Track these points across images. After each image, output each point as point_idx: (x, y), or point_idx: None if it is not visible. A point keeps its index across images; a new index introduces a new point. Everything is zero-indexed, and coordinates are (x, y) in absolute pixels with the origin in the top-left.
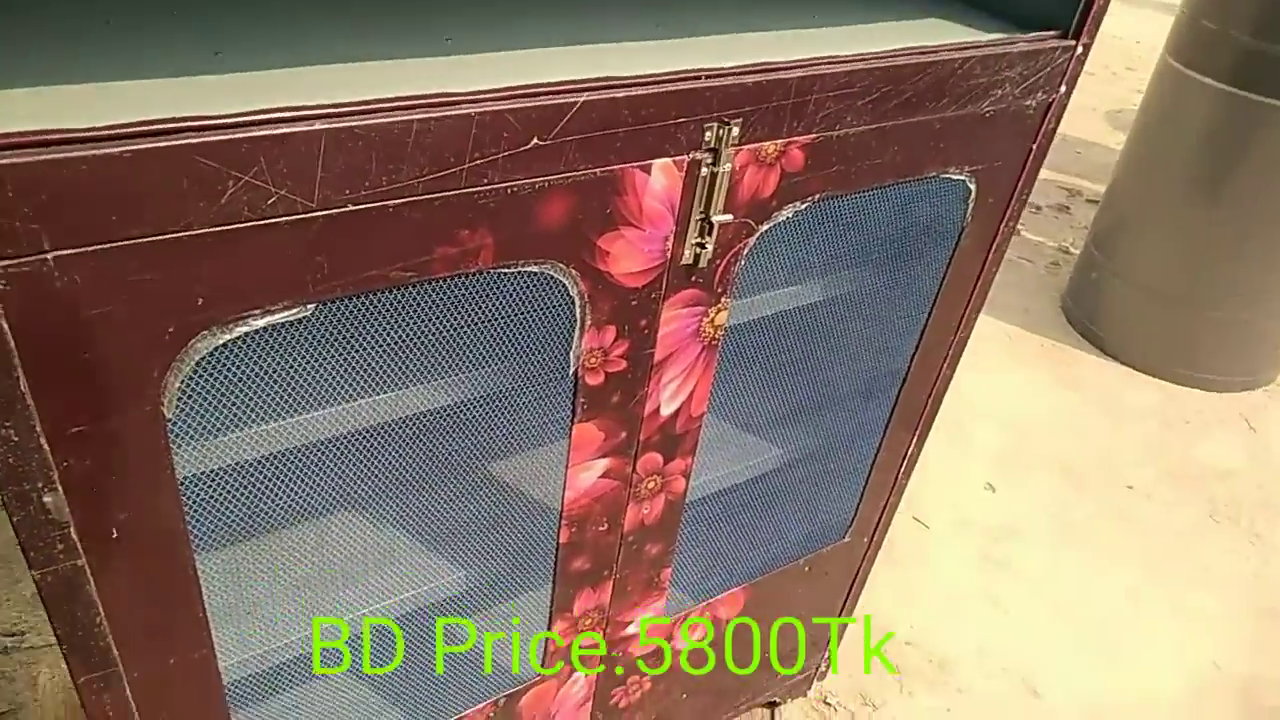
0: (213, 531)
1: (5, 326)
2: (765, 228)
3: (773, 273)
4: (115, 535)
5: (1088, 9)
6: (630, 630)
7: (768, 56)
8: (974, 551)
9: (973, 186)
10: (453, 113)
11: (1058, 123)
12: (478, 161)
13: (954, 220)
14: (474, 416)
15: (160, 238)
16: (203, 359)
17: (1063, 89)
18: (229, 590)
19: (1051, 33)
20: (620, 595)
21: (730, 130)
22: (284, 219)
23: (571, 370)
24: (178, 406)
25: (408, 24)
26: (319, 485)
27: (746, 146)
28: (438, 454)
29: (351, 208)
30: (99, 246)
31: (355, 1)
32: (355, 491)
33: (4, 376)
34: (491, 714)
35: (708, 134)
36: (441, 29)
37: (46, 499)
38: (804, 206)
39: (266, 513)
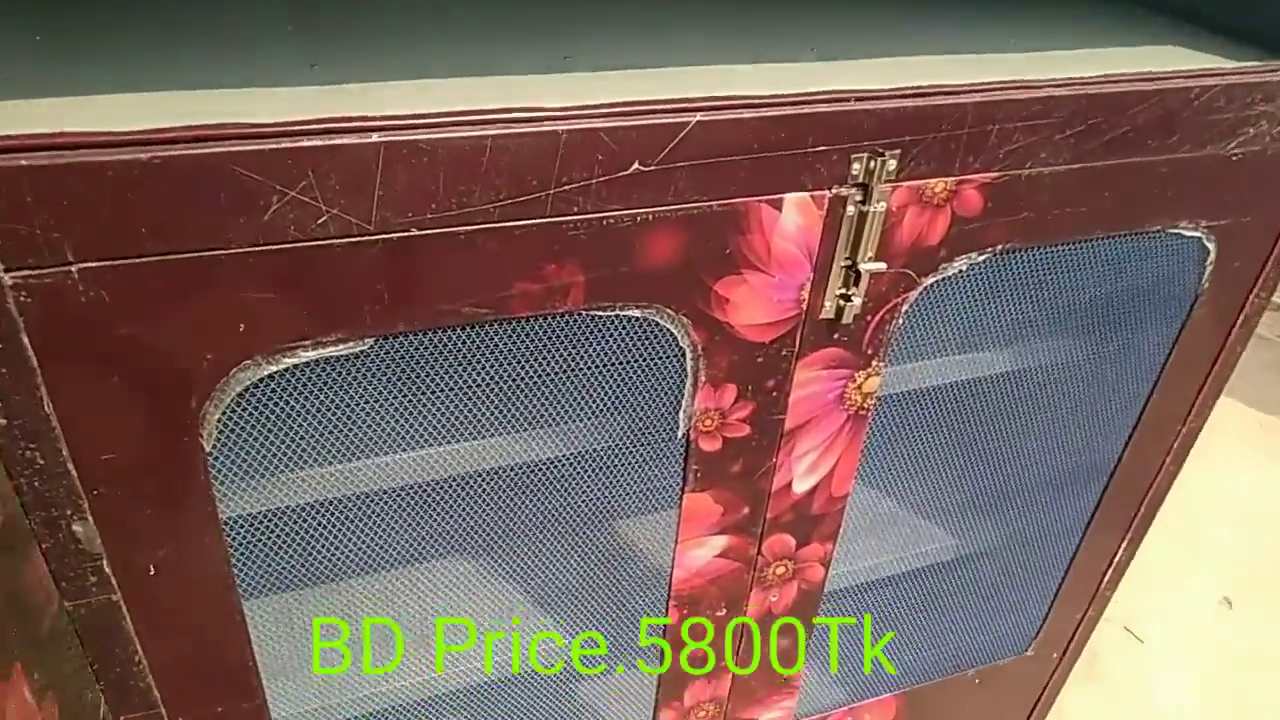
0: (262, 577)
1: (26, 340)
2: (930, 281)
3: (942, 335)
4: (153, 572)
5: None
6: None
7: (937, 80)
8: (1198, 678)
9: (1211, 246)
10: (536, 130)
11: None
12: (566, 187)
13: (1186, 286)
14: (567, 475)
15: (196, 255)
16: (245, 390)
17: None
18: (282, 640)
19: None
20: (741, 691)
21: (885, 163)
22: (336, 241)
23: (682, 432)
24: (218, 440)
25: (528, 39)
26: (380, 538)
27: (906, 183)
28: (521, 513)
29: (416, 232)
30: (127, 261)
31: (483, 20)
32: (422, 547)
33: (28, 396)
34: None
35: (855, 166)
36: (564, 46)
37: (76, 528)
38: (981, 259)
39: (322, 562)
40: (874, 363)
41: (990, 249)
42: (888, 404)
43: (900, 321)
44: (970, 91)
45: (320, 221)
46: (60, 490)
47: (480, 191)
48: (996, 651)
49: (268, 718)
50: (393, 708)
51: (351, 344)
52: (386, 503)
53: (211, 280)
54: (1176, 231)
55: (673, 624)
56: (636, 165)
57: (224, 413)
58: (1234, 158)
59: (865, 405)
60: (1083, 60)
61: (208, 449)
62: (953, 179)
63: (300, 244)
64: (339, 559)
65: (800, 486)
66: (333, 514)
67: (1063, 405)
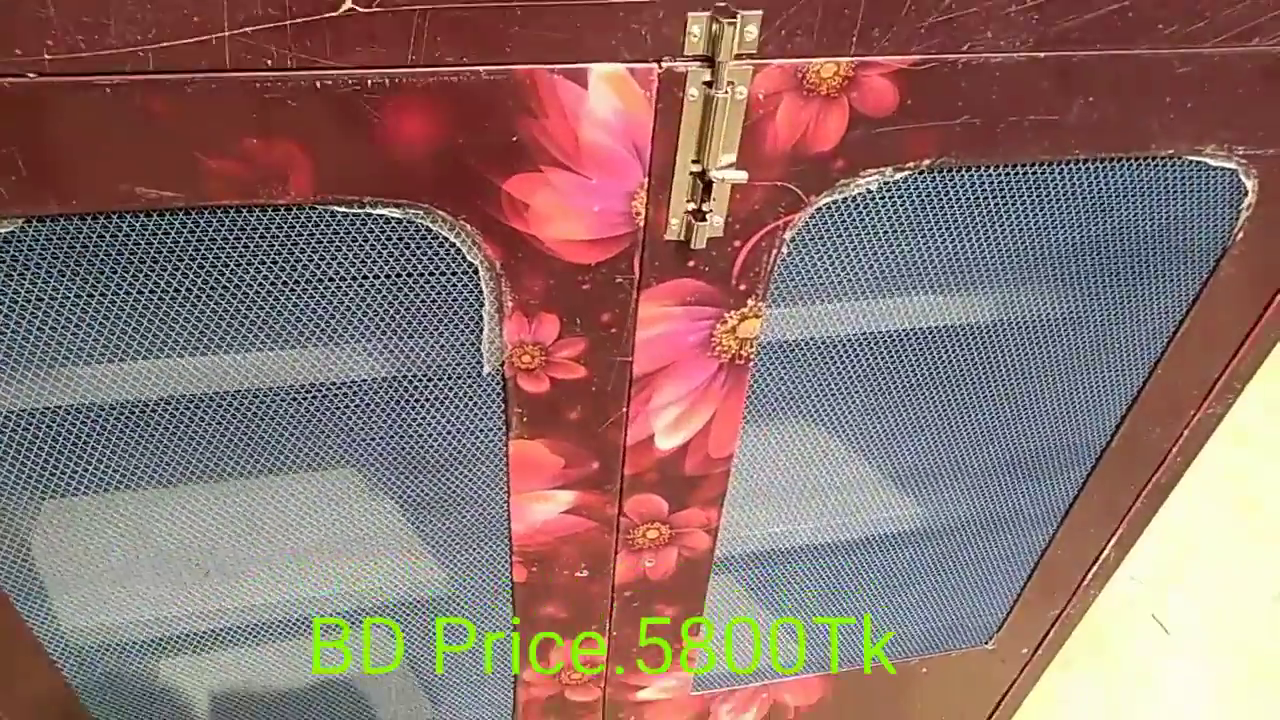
0: None
1: None
2: (823, 201)
3: (853, 271)
4: None
5: None
6: (644, 696)
7: None
8: (1222, 679)
9: (1249, 183)
10: None
11: None
12: (246, 30)
13: (1212, 236)
14: (336, 405)
15: None
16: None
17: None
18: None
19: None
20: (622, 653)
21: (741, 28)
22: None
23: (489, 369)
24: None
25: None
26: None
27: (777, 61)
28: (291, 443)
29: (35, 77)
30: None
31: None
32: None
33: None
34: None
35: (695, 29)
36: None
37: None
38: (899, 176)
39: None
40: (749, 302)
41: (913, 164)
42: (781, 352)
43: (783, 251)
44: None
45: None
46: None
47: (116, 26)
48: (949, 641)
49: None
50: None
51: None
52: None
53: None
54: (1200, 160)
55: (521, 582)
56: (350, 3)
57: None
58: (1270, 63)
59: (743, 353)
60: None
61: None
62: (849, 59)
63: None
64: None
65: (665, 443)
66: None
67: (1031, 372)
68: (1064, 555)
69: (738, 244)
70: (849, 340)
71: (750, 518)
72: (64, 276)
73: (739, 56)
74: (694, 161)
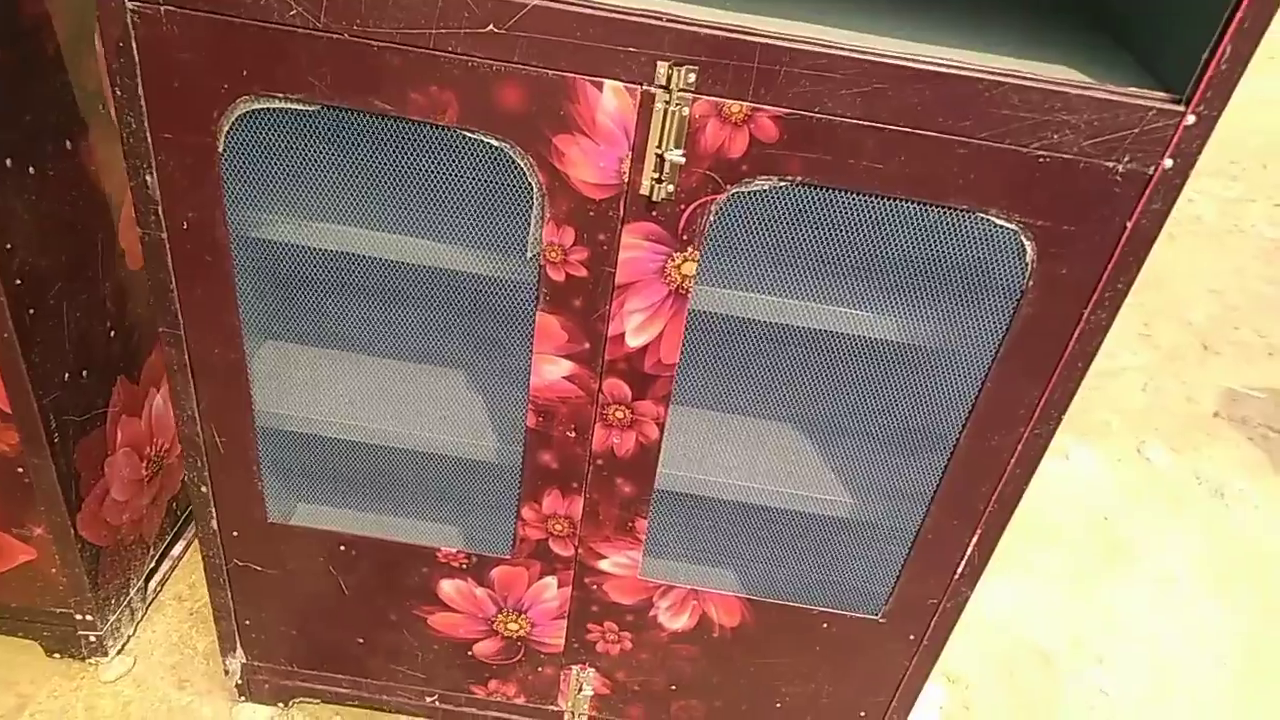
0: (249, 257)
1: (134, 48)
2: (735, 190)
3: (760, 257)
4: (185, 226)
5: (1204, 72)
6: (605, 566)
7: (747, 23)
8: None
9: (1028, 244)
10: None
11: (1167, 205)
12: (442, 31)
13: (1009, 281)
14: (445, 270)
15: (216, 16)
16: (243, 115)
17: (1167, 163)
18: (257, 304)
19: (1159, 93)
20: (591, 519)
21: (685, 74)
22: (299, 29)
23: (530, 254)
24: (225, 145)
25: None
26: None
27: (706, 97)
28: (409, 288)
29: (348, 37)
30: (185, 10)
31: None
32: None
33: (130, 80)
34: (464, 564)
35: (660, 70)
36: None
37: (147, 178)
38: (783, 184)
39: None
40: (689, 249)
41: (791, 177)
42: (710, 300)
43: (711, 218)
44: (761, 35)
45: (290, 15)
46: (142, 148)
47: (389, 18)
48: (842, 601)
49: (244, 361)
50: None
51: (304, 104)
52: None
53: (226, 36)
54: (987, 217)
55: (531, 427)
56: (491, 26)
57: (231, 125)
58: (1041, 159)
59: (684, 286)
60: (949, 49)
61: (220, 149)
62: (747, 104)
63: (277, 26)
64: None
65: (632, 341)
66: (287, 228)
67: (886, 369)
68: (938, 544)
69: (682, 207)
70: (755, 322)
71: (685, 458)
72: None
73: (684, 90)
74: (657, 147)
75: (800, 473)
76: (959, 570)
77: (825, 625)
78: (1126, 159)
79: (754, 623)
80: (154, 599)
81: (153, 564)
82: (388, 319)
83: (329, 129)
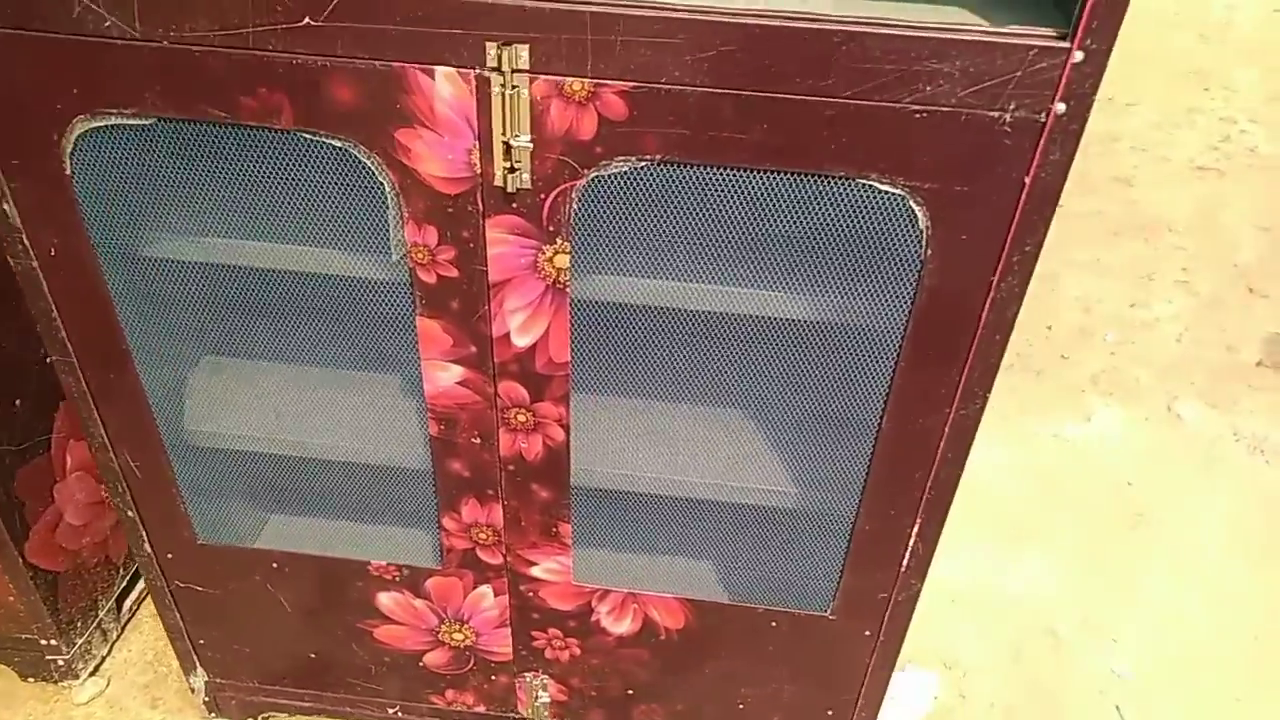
0: (124, 278)
1: None
2: (593, 174)
3: (638, 242)
4: (53, 253)
5: (1097, 7)
6: (537, 573)
7: None
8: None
9: (919, 210)
10: None
11: (1067, 154)
12: (259, 29)
13: (906, 250)
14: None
15: (37, 34)
16: (82, 135)
17: (1060, 108)
18: (146, 324)
19: (1041, 30)
20: (514, 526)
21: (517, 53)
22: (118, 41)
23: (396, 257)
24: (74, 167)
25: None
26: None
27: (544, 76)
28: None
29: (167, 44)
30: (5, 31)
31: None
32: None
33: None
34: (397, 576)
35: (491, 52)
36: None
37: (5, 207)
38: (643, 164)
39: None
40: (558, 240)
41: (650, 156)
42: (592, 289)
43: (574, 206)
44: (590, 4)
45: (105, 25)
46: None
47: (202, 21)
48: (788, 599)
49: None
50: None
51: (140, 118)
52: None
53: (50, 54)
54: (869, 183)
55: (435, 435)
56: (308, 19)
57: (74, 146)
58: (918, 115)
59: (561, 280)
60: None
61: (69, 171)
62: (589, 80)
63: (97, 39)
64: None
65: (519, 341)
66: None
67: (799, 350)
68: (874, 533)
69: (543, 196)
70: (646, 309)
71: (598, 456)
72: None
73: (518, 70)
74: (503, 134)
75: (724, 463)
76: (905, 562)
77: (774, 624)
78: (1013, 107)
79: (699, 625)
80: (130, 617)
81: (124, 584)
82: (286, 329)
83: (176, 141)
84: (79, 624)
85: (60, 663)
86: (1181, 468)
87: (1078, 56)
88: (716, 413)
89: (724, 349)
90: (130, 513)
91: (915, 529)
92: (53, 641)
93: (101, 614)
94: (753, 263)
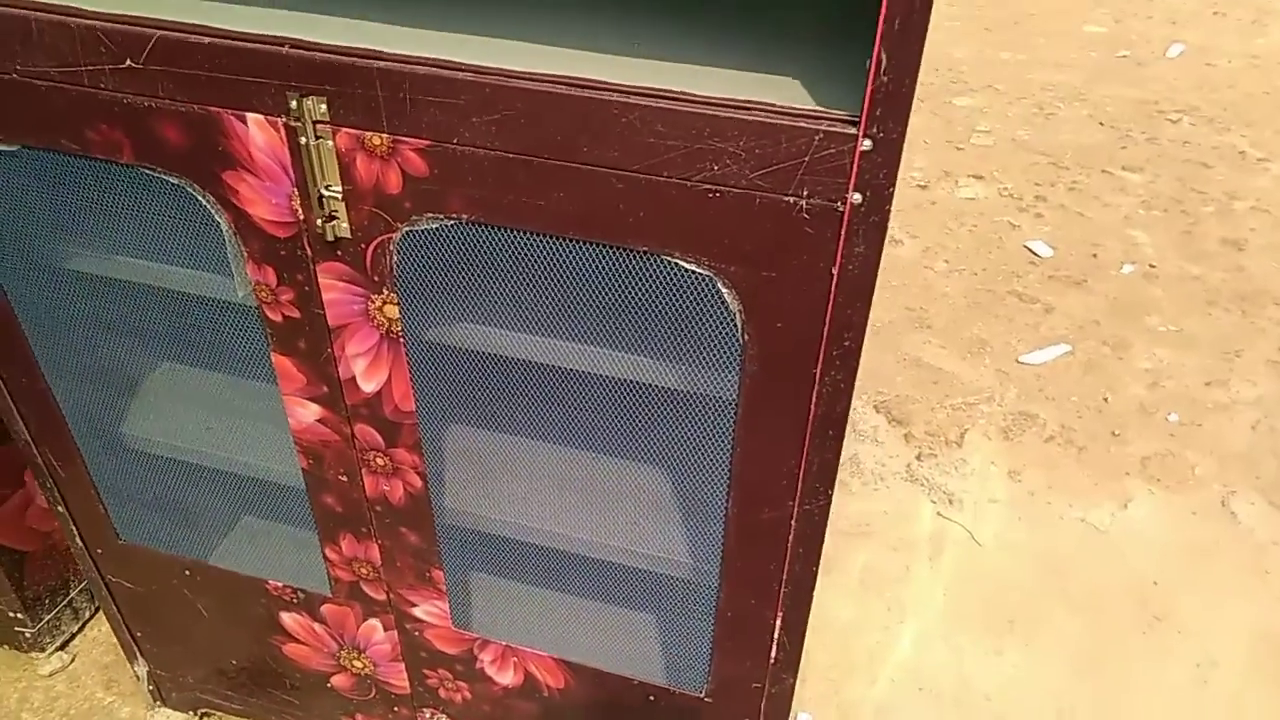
0: (22, 293)
1: None
2: (406, 228)
3: (461, 295)
4: None
5: (878, 93)
6: (419, 614)
7: (381, 46)
8: None
9: (727, 293)
10: (61, 19)
11: (873, 247)
12: (90, 68)
13: (725, 334)
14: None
15: None
16: None
17: (855, 198)
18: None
19: (834, 113)
20: (390, 566)
21: (317, 105)
22: None
23: (241, 295)
24: None
25: None
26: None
27: (346, 129)
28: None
29: (16, 77)
30: None
31: None
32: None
33: None
34: (294, 598)
35: (293, 102)
36: None
37: None
38: (450, 222)
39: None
40: (384, 291)
41: (456, 215)
42: (430, 344)
43: (394, 258)
44: (377, 58)
45: None
46: None
47: (38, 58)
48: (664, 674)
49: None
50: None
51: (6, 144)
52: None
53: None
54: (675, 261)
55: (305, 468)
56: (129, 61)
57: None
58: (711, 195)
59: (395, 330)
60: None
61: None
62: (386, 135)
63: None
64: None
65: (366, 386)
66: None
67: (644, 415)
68: (738, 619)
69: (364, 246)
70: (491, 358)
71: (464, 503)
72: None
73: (319, 121)
74: (314, 183)
75: (591, 518)
76: (773, 654)
77: (651, 698)
78: (806, 193)
79: (578, 688)
80: None
81: None
82: (171, 345)
83: (42, 168)
84: (46, 601)
85: (27, 635)
86: (1220, 571)
87: (865, 144)
88: (588, 465)
89: (586, 405)
90: (60, 508)
91: (778, 621)
92: (18, 615)
93: (74, 593)
94: (579, 321)
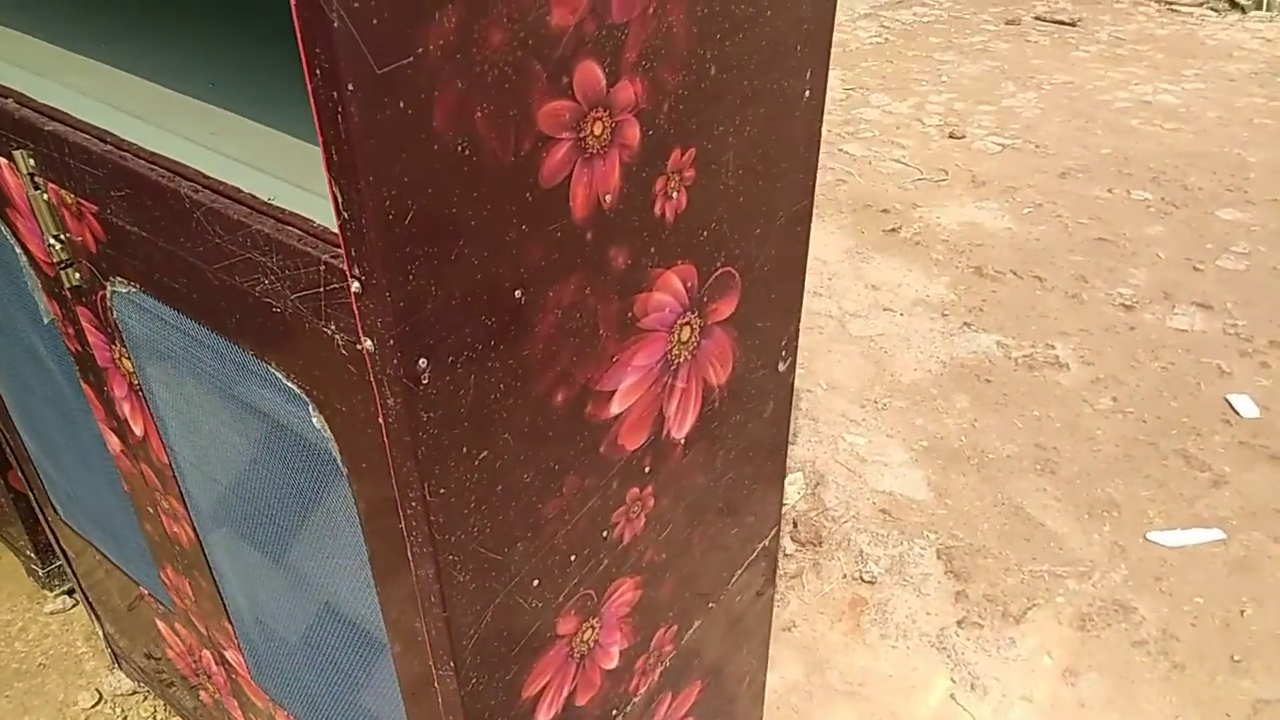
0: None
1: None
2: (110, 289)
3: (169, 360)
4: None
5: (348, 233)
6: (229, 658)
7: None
8: None
9: (315, 417)
10: None
11: (406, 406)
12: None
13: (333, 463)
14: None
15: None
16: None
17: (368, 344)
18: None
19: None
20: (201, 603)
21: (25, 158)
22: None
23: (46, 322)
24: None
25: None
26: None
27: (52, 184)
28: None
29: None
30: None
31: None
32: None
33: None
34: (158, 608)
35: (17, 156)
36: None
37: None
38: (129, 291)
39: None
40: (117, 345)
41: (135, 283)
42: (172, 402)
43: (114, 314)
44: (55, 119)
45: None
46: None
47: None
48: None
49: None
50: None
51: None
52: None
53: None
54: (272, 373)
55: (128, 492)
56: None
57: None
58: (272, 309)
59: (133, 380)
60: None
61: None
62: (72, 195)
63: None
64: None
65: (135, 430)
66: None
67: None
68: None
69: (94, 297)
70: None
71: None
72: None
73: (32, 175)
74: (46, 231)
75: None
76: None
77: None
78: (333, 328)
79: None
80: None
81: None
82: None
83: None
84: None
85: (40, 574)
86: None
87: (355, 287)
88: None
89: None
90: (21, 474)
91: None
92: (31, 555)
93: None
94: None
